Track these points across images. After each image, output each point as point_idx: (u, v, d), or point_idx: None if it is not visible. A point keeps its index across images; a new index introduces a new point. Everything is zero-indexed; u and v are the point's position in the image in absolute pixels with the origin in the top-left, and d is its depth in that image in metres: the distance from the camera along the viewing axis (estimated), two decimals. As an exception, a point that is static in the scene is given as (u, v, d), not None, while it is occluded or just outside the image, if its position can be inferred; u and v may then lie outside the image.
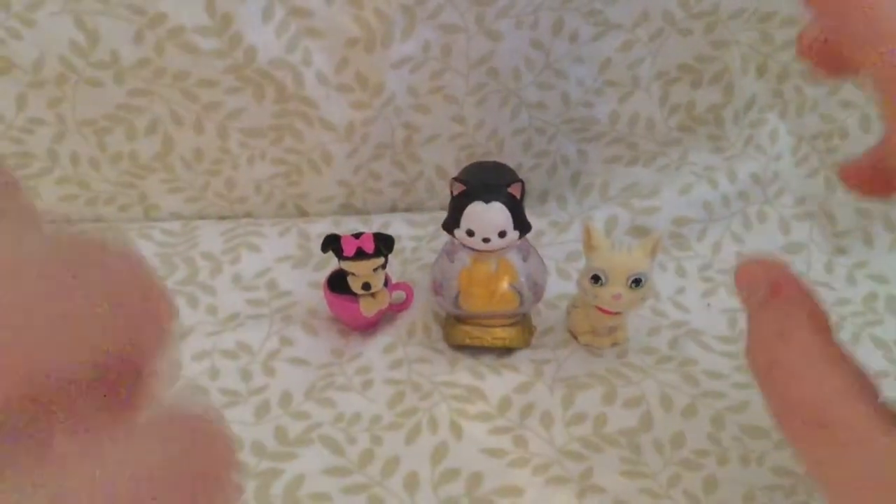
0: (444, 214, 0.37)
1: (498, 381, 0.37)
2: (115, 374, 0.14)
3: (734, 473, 0.33)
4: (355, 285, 0.39)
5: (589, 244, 0.37)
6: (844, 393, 0.21)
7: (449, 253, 0.39)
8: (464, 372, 0.38)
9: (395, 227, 0.50)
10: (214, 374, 0.39)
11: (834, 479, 0.21)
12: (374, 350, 0.40)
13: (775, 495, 0.32)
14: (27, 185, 0.47)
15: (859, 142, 0.48)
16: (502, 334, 0.39)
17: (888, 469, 0.20)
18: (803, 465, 0.23)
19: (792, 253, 0.46)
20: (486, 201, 0.35)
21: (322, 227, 0.49)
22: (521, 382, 0.37)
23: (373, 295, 0.39)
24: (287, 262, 0.46)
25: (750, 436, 0.35)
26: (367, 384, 0.38)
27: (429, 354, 0.40)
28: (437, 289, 0.39)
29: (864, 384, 0.21)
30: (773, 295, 0.25)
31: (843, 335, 0.41)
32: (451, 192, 0.36)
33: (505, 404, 0.36)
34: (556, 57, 0.47)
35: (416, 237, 0.49)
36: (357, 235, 0.38)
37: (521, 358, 0.39)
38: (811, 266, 0.44)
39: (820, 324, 0.22)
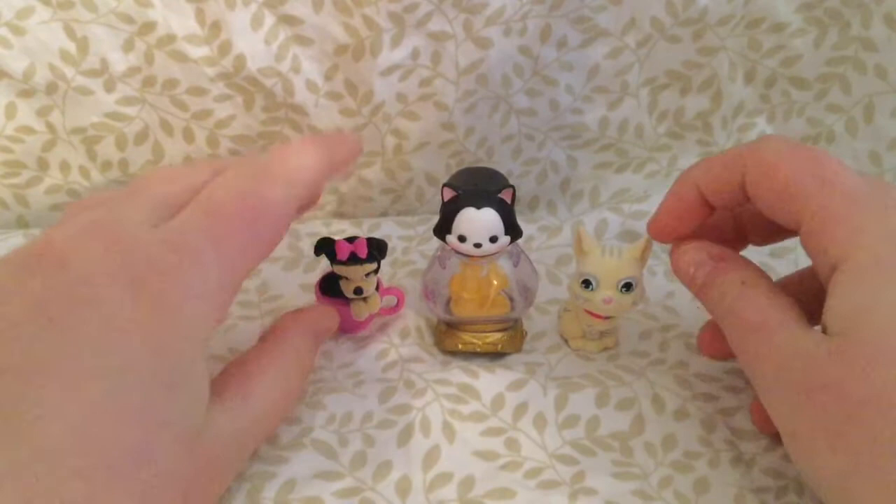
0: (434, 216, 0.37)
1: (491, 379, 0.37)
2: None
3: (725, 475, 0.33)
4: (347, 289, 0.39)
5: (579, 248, 0.37)
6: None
7: (440, 259, 0.39)
8: (457, 370, 0.38)
9: (385, 228, 0.50)
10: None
11: (759, 365, 0.29)
12: (366, 359, 0.40)
13: (766, 497, 0.32)
14: (17, 194, 0.48)
15: (846, 145, 0.49)
16: (494, 339, 0.39)
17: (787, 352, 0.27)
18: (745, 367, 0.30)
19: (778, 256, 0.46)
20: (478, 207, 0.35)
21: (312, 228, 0.49)
22: (515, 380, 0.37)
23: (364, 299, 0.39)
24: (278, 264, 0.46)
25: (741, 438, 0.35)
26: (358, 384, 0.38)
27: (422, 354, 0.40)
28: (429, 295, 0.39)
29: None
30: (721, 261, 0.33)
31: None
32: (443, 199, 0.36)
33: (498, 402, 0.36)
34: (545, 64, 0.47)
35: (407, 237, 0.49)
36: (351, 240, 0.38)
37: (514, 361, 0.39)
38: (798, 268, 0.44)
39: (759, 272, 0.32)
